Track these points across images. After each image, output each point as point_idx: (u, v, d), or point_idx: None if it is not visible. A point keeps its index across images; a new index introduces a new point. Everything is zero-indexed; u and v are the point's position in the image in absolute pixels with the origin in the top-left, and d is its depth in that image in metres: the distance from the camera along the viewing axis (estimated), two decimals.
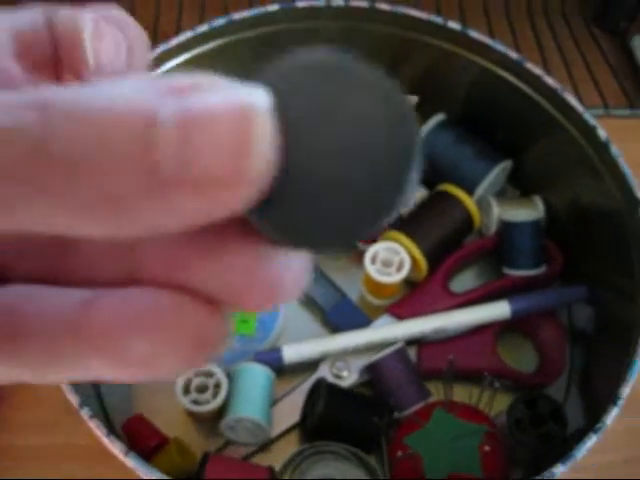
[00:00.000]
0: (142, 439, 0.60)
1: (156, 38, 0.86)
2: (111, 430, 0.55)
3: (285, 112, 0.15)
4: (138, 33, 0.20)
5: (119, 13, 0.20)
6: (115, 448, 0.45)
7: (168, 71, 0.65)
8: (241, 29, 0.67)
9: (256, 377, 0.60)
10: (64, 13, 0.20)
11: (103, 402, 0.63)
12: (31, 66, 0.20)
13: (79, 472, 0.61)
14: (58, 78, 0.21)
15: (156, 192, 0.14)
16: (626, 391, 0.48)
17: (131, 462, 0.45)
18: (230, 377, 0.60)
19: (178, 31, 0.65)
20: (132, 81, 0.14)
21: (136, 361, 0.16)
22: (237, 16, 0.65)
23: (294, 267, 0.16)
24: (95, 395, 0.63)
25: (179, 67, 0.65)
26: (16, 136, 0.13)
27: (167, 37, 0.64)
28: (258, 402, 0.59)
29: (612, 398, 0.48)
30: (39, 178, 0.13)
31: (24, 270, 0.19)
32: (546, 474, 0.45)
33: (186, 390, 0.58)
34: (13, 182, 0.14)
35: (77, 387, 0.48)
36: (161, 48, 0.63)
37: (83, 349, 0.16)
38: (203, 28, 0.65)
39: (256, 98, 0.14)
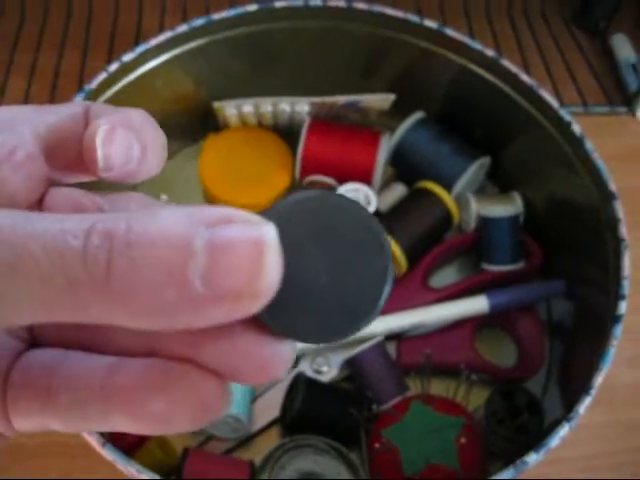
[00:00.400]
0: (123, 434, 0.60)
1: (139, 39, 0.87)
2: None
3: (286, 239, 0.19)
4: (154, 135, 0.24)
5: (140, 116, 0.23)
6: (93, 440, 0.45)
7: (150, 70, 0.65)
8: (221, 29, 0.67)
9: None
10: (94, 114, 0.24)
11: None
12: (62, 165, 0.24)
13: (66, 469, 0.62)
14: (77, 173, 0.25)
15: (190, 304, 0.18)
16: (598, 380, 0.49)
17: (109, 454, 0.45)
18: None
19: (161, 32, 0.65)
20: (173, 212, 0.18)
21: (152, 418, 0.20)
22: (217, 16, 0.66)
23: (283, 352, 0.20)
24: None
25: (160, 67, 0.66)
26: (90, 261, 0.18)
27: (150, 38, 0.65)
28: (238, 397, 0.59)
29: (585, 388, 0.49)
30: (105, 291, 0.18)
31: (62, 337, 0.22)
32: (519, 463, 0.46)
33: None
34: (86, 294, 0.18)
35: None
36: (141, 48, 0.64)
37: (108, 406, 0.20)
38: (183, 28, 0.65)
39: (267, 232, 0.18)
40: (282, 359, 0.20)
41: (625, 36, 0.91)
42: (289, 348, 0.20)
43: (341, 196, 0.20)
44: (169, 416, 0.20)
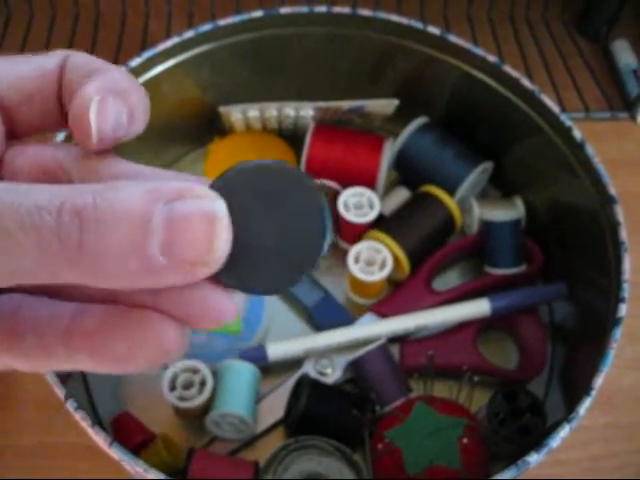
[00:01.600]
0: (129, 435, 0.61)
1: (145, 43, 0.88)
2: (100, 428, 0.57)
3: (236, 206, 0.22)
4: (139, 97, 0.25)
5: (125, 78, 0.25)
6: (99, 439, 0.46)
7: (157, 75, 0.66)
8: (226, 35, 0.68)
9: (241, 374, 0.61)
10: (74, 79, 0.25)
11: (93, 401, 0.64)
12: (38, 112, 0.26)
13: (69, 469, 0.62)
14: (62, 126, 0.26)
15: (151, 272, 0.20)
16: (599, 382, 0.50)
17: (115, 453, 0.46)
18: (216, 374, 0.61)
19: (168, 37, 0.66)
20: (135, 188, 0.20)
21: (113, 359, 0.22)
22: (223, 22, 0.67)
23: (233, 302, 0.23)
24: (85, 394, 0.64)
25: (166, 72, 0.67)
26: (63, 236, 0.20)
27: (156, 42, 0.66)
28: (243, 398, 0.60)
29: (586, 389, 0.50)
30: (76, 260, 0.20)
31: (27, 287, 0.24)
32: (520, 463, 0.47)
33: (172, 387, 0.60)
34: (60, 263, 0.20)
35: (65, 383, 0.49)
36: (148, 54, 0.65)
37: (72, 348, 0.22)
38: (189, 34, 0.66)
39: (218, 206, 0.21)
40: (232, 308, 0.23)
41: (626, 42, 0.92)
42: (239, 299, 0.23)
43: (282, 163, 0.23)
44: (129, 357, 0.22)
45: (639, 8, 0.96)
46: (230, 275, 0.22)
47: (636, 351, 0.71)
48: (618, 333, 0.51)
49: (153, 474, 0.45)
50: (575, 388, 0.62)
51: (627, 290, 0.54)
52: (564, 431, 0.48)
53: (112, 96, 0.24)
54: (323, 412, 0.60)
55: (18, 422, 0.64)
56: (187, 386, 0.60)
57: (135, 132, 0.25)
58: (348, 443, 0.59)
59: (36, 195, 0.20)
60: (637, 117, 0.86)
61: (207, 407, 0.60)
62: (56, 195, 0.20)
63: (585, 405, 0.49)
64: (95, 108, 0.24)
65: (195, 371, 0.61)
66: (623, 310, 0.53)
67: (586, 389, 0.49)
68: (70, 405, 0.48)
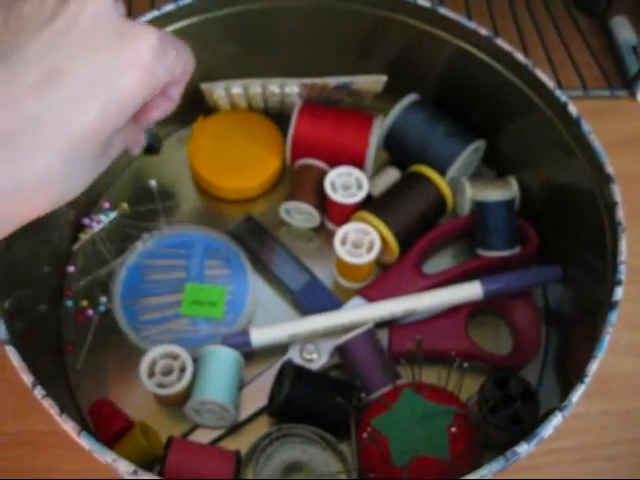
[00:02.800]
0: (107, 423, 0.59)
1: (132, 15, 0.85)
2: (81, 419, 0.55)
3: None
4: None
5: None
6: (68, 427, 0.44)
7: None
8: (209, 8, 0.66)
9: (222, 359, 0.59)
10: None
11: (72, 391, 0.62)
12: None
13: (50, 458, 0.61)
14: None
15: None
16: (593, 368, 0.47)
17: (84, 442, 0.44)
18: (197, 360, 0.59)
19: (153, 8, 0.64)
20: None
21: None
22: None
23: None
24: (63, 381, 0.62)
25: None
26: None
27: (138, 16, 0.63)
28: (223, 384, 0.58)
29: (580, 376, 0.47)
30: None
31: None
32: (509, 453, 0.44)
33: (151, 373, 0.57)
34: None
35: (36, 370, 0.47)
36: None
37: None
38: (169, 7, 0.64)
39: None
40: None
41: (625, 18, 0.89)
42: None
43: None
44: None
45: None
46: None
47: (634, 337, 0.69)
48: (614, 317, 0.49)
49: (122, 465, 0.43)
50: (570, 375, 0.60)
51: (623, 272, 0.51)
52: (556, 420, 0.46)
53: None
54: (307, 399, 0.57)
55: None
56: (166, 372, 0.58)
57: None
58: (334, 431, 0.57)
59: None
60: (636, 95, 0.84)
61: (188, 394, 0.58)
62: None
63: (578, 393, 0.47)
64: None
65: (175, 357, 0.58)
66: (619, 293, 0.50)
67: (580, 376, 0.47)
68: (38, 393, 0.46)
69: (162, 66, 0.39)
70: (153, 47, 0.38)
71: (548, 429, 0.46)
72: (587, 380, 0.47)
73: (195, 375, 0.58)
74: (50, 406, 0.45)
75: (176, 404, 0.60)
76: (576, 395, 0.46)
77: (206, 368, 0.58)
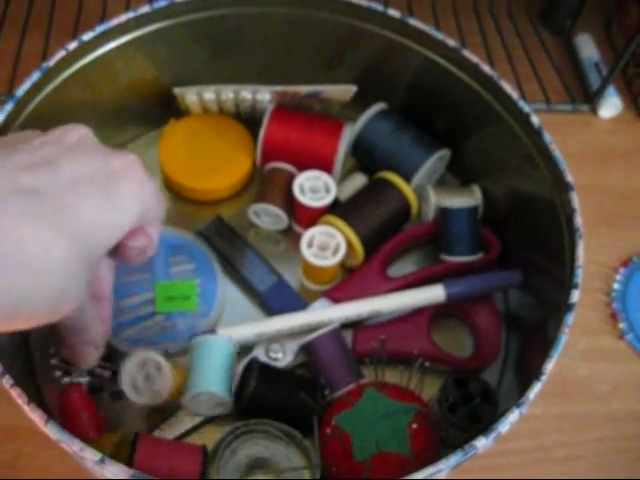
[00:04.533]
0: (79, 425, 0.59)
1: (105, 16, 0.86)
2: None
3: None
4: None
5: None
6: (35, 416, 0.45)
7: (111, 51, 0.65)
8: (183, 12, 0.67)
9: (212, 349, 0.59)
10: None
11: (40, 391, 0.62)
12: None
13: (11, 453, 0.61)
14: None
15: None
16: (549, 367, 0.49)
17: (51, 431, 0.44)
18: (190, 352, 0.60)
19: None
20: None
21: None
22: None
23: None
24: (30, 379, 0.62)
25: (120, 48, 0.65)
26: None
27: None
28: (217, 374, 0.58)
29: (536, 374, 0.49)
30: None
31: None
32: (467, 447, 0.46)
33: (135, 387, 0.58)
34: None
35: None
36: (101, 27, 0.63)
37: None
38: (144, 9, 0.65)
39: None
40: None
41: (589, 36, 0.92)
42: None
43: None
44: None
45: (602, 3, 0.96)
46: None
47: (590, 342, 0.71)
48: (570, 318, 0.51)
49: (89, 453, 0.43)
50: (528, 377, 0.61)
51: (580, 276, 0.53)
52: (513, 416, 0.47)
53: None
54: (272, 395, 0.58)
55: None
56: (148, 379, 0.58)
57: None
58: (298, 427, 0.58)
59: None
60: (598, 110, 0.86)
61: (177, 391, 0.59)
62: None
63: (535, 390, 0.48)
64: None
65: (146, 363, 0.59)
66: (575, 296, 0.52)
67: (537, 374, 0.49)
68: (6, 382, 0.46)
69: (151, 185, 0.41)
70: (141, 163, 0.41)
71: (505, 424, 0.47)
72: (543, 378, 0.48)
73: (189, 367, 0.59)
74: (18, 395, 0.45)
75: (170, 402, 0.60)
76: (533, 392, 0.48)
77: (198, 359, 0.59)
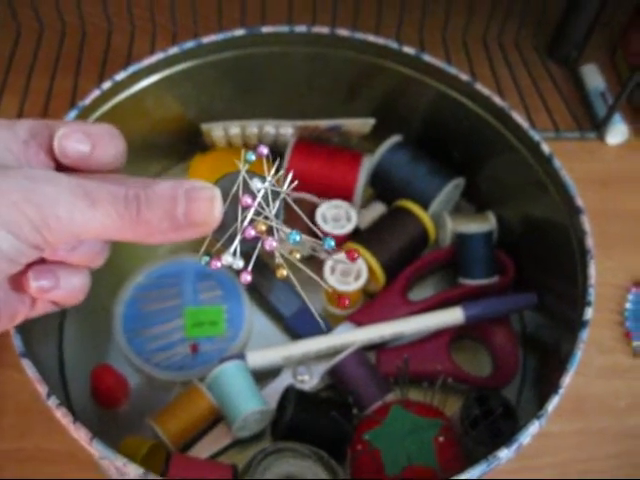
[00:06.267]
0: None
1: (130, 63, 0.90)
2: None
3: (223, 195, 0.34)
4: (105, 139, 0.36)
5: (99, 127, 0.36)
6: (80, 435, 0.47)
7: (141, 90, 0.68)
8: (209, 52, 0.70)
9: (233, 374, 0.62)
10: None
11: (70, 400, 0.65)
12: (37, 149, 0.36)
13: (49, 475, 0.63)
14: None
15: (177, 229, 0.33)
16: (566, 381, 0.51)
17: (97, 448, 0.47)
18: (210, 387, 0.63)
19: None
20: (166, 182, 0.34)
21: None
22: (206, 40, 0.69)
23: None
24: (63, 393, 0.65)
25: (150, 87, 0.69)
26: (129, 210, 0.33)
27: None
28: (250, 393, 0.62)
29: (554, 388, 0.51)
30: (136, 222, 0.33)
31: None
32: (491, 458, 0.48)
33: None
34: (126, 224, 0.33)
35: (45, 379, 0.51)
36: (133, 68, 0.67)
37: None
38: (173, 50, 0.68)
39: (216, 191, 0.34)
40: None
41: (595, 66, 0.96)
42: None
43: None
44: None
45: (607, 34, 1.00)
46: (219, 233, 0.35)
47: (605, 360, 0.73)
48: (585, 335, 0.54)
49: (133, 469, 0.46)
50: (547, 393, 0.64)
51: (593, 295, 0.56)
52: (533, 427, 0.49)
53: (80, 132, 0.35)
54: (309, 421, 0.61)
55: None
56: None
57: (100, 163, 0.36)
58: (333, 449, 0.60)
59: (109, 187, 0.33)
60: (605, 137, 0.90)
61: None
62: (121, 187, 0.33)
63: (554, 402, 0.51)
64: (59, 135, 0.35)
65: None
66: (589, 313, 0.55)
67: (554, 388, 0.51)
68: (52, 402, 0.49)
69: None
70: None
71: (526, 436, 0.49)
72: (561, 392, 0.51)
73: (219, 400, 0.62)
74: (64, 415, 0.48)
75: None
76: (551, 404, 0.50)
77: (227, 388, 0.62)
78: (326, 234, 0.69)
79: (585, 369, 0.72)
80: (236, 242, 0.35)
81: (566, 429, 0.69)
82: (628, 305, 0.76)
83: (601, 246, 0.79)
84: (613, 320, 0.76)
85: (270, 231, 0.36)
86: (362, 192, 0.74)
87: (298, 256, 0.37)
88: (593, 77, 0.95)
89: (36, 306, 0.38)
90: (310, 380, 0.66)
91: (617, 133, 0.89)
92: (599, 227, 0.76)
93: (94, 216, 0.33)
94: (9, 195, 0.31)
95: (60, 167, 0.36)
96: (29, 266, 0.35)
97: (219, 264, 0.35)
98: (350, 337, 0.66)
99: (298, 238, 0.35)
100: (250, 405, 0.61)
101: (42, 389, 0.49)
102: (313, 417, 0.61)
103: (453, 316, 0.66)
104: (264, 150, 0.36)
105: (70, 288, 0.37)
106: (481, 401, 0.60)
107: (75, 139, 0.35)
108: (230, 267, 0.35)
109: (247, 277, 0.35)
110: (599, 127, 0.90)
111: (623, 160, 0.89)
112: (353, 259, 0.36)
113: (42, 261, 0.36)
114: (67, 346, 0.68)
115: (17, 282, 0.36)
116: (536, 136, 0.65)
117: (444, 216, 0.73)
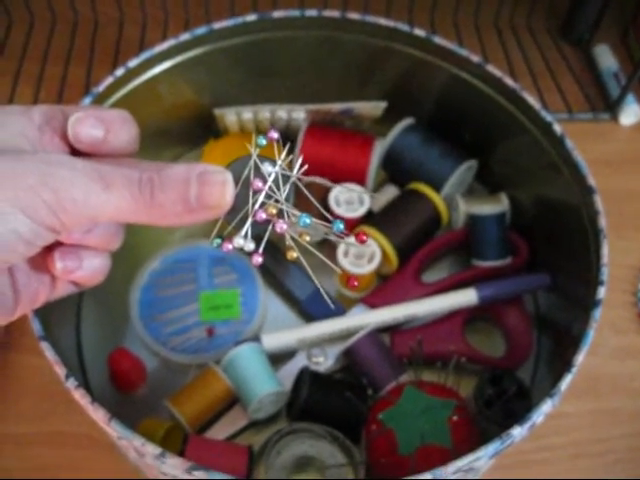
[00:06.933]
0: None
1: (146, 43, 0.91)
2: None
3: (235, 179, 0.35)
4: (118, 124, 0.36)
5: (112, 112, 0.36)
6: (99, 415, 0.48)
7: (154, 76, 0.69)
8: (221, 38, 0.71)
9: (248, 357, 0.63)
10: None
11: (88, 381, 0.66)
12: (52, 134, 0.36)
13: (68, 458, 0.64)
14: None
15: (190, 212, 0.34)
16: (579, 359, 0.52)
17: (115, 428, 0.48)
18: (226, 370, 0.63)
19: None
20: (179, 165, 0.34)
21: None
22: (217, 25, 0.69)
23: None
24: (81, 376, 0.66)
25: (163, 73, 0.69)
26: (143, 190, 0.33)
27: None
28: (264, 375, 0.63)
29: (568, 366, 0.52)
30: (150, 205, 0.34)
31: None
32: (505, 436, 0.49)
33: None
34: (141, 206, 0.34)
35: (64, 362, 0.52)
36: (146, 54, 0.67)
37: None
38: (185, 36, 0.69)
39: (228, 175, 0.34)
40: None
41: (607, 47, 0.95)
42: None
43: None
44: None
45: (619, 15, 0.99)
46: (231, 216, 0.35)
47: (619, 341, 0.73)
48: (598, 313, 0.54)
49: (151, 448, 0.47)
50: (561, 373, 0.64)
51: (605, 274, 0.56)
52: (546, 406, 0.50)
53: (93, 117, 0.36)
54: (324, 402, 0.61)
55: (17, 411, 0.66)
56: None
57: (114, 147, 0.36)
58: (348, 430, 0.61)
59: (124, 171, 0.34)
60: (618, 118, 0.89)
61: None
62: (135, 171, 0.34)
63: (567, 381, 0.51)
64: (73, 119, 0.35)
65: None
66: (602, 292, 0.55)
67: (567, 367, 0.51)
68: (71, 384, 0.50)
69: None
70: None
71: (539, 415, 0.50)
72: (574, 370, 0.51)
73: (236, 382, 0.63)
74: (82, 396, 0.49)
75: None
76: (565, 383, 0.51)
77: (242, 370, 0.62)
78: (337, 217, 0.70)
79: (599, 349, 0.72)
80: (247, 225, 0.35)
81: (581, 409, 0.69)
82: None
83: (614, 227, 0.79)
84: (627, 301, 0.76)
85: (281, 214, 0.36)
86: (375, 175, 0.75)
87: (308, 238, 0.37)
88: (606, 58, 0.94)
89: (57, 288, 0.39)
90: (325, 362, 0.66)
91: (630, 114, 0.89)
92: (612, 208, 0.76)
93: (109, 199, 0.33)
94: (26, 179, 0.31)
95: (74, 152, 0.36)
96: (49, 248, 0.36)
97: (230, 246, 0.35)
98: (364, 319, 0.66)
99: (308, 221, 0.36)
100: (265, 387, 0.61)
101: (61, 371, 0.50)
102: (328, 398, 0.61)
103: (466, 297, 0.66)
104: (275, 134, 0.37)
105: (92, 269, 0.38)
106: (495, 381, 0.60)
107: (88, 124, 0.35)
108: (242, 249, 0.35)
109: (258, 259, 0.35)
110: (612, 108, 0.89)
111: (637, 140, 0.89)
112: (362, 242, 0.37)
113: (60, 243, 0.37)
114: (85, 331, 0.69)
115: (38, 263, 0.37)
116: (548, 117, 0.65)
117: (457, 198, 0.74)
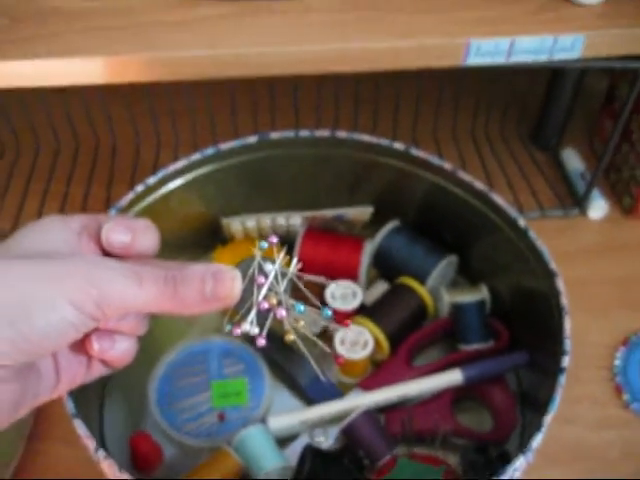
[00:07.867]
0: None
1: (159, 164, 1.02)
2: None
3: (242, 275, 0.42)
4: (142, 230, 0.44)
5: (137, 220, 0.44)
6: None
7: (168, 192, 0.79)
8: (227, 156, 0.81)
9: (258, 436, 0.70)
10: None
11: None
12: (88, 239, 0.43)
13: None
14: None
15: (205, 302, 0.41)
16: (548, 420, 0.59)
17: None
18: (237, 449, 0.70)
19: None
20: (197, 265, 0.42)
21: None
22: (224, 146, 0.80)
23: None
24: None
25: (176, 189, 0.79)
26: (168, 288, 0.41)
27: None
28: (273, 452, 0.70)
29: (539, 427, 0.58)
30: (173, 298, 0.41)
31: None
32: None
33: None
34: (165, 299, 0.41)
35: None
36: (162, 173, 0.77)
37: None
38: (196, 156, 0.79)
39: (237, 273, 0.41)
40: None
41: (574, 150, 1.06)
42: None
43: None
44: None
45: (583, 121, 1.11)
46: (239, 306, 0.42)
47: (598, 413, 0.80)
48: (563, 379, 0.61)
49: None
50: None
51: (569, 345, 0.63)
52: (519, 462, 0.56)
53: (122, 225, 0.43)
54: (325, 473, 0.67)
55: (49, 462, 0.73)
56: None
57: (140, 249, 0.44)
58: None
59: (152, 270, 0.41)
60: (587, 212, 0.99)
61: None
62: (162, 270, 0.41)
63: (537, 440, 0.57)
64: (106, 230, 0.43)
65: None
66: (566, 361, 0.62)
67: (538, 427, 0.58)
68: (100, 455, 0.57)
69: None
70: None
71: (511, 471, 0.56)
72: (543, 429, 0.58)
73: (246, 460, 0.69)
74: (109, 465, 0.56)
75: None
76: (536, 441, 0.57)
77: (251, 449, 0.69)
78: (335, 310, 0.78)
79: (580, 421, 0.78)
80: (253, 313, 0.43)
81: (563, 475, 0.75)
82: (617, 362, 0.83)
83: (590, 310, 0.87)
84: (604, 377, 0.83)
85: (280, 304, 0.44)
86: (366, 273, 0.83)
87: (302, 323, 0.45)
88: (573, 160, 1.04)
89: (91, 369, 0.46)
90: (326, 441, 0.73)
91: (598, 208, 0.98)
92: (587, 292, 0.86)
93: (141, 293, 0.40)
94: (74, 277, 0.39)
95: (106, 253, 0.44)
96: (87, 334, 0.43)
97: (239, 330, 0.43)
98: (360, 401, 0.73)
99: (302, 308, 0.44)
100: (273, 462, 0.68)
101: (91, 444, 0.57)
102: (328, 470, 0.68)
103: (452, 377, 0.74)
104: (274, 239, 0.45)
105: (123, 350, 0.45)
106: (480, 450, 0.66)
107: (118, 231, 0.43)
108: (248, 333, 0.43)
109: (262, 341, 0.43)
110: (580, 203, 0.99)
111: (605, 232, 0.98)
112: (346, 325, 0.46)
113: (96, 329, 0.44)
114: (107, 415, 0.77)
115: (78, 347, 0.44)
116: (513, 213, 0.74)
117: (441, 290, 0.82)
